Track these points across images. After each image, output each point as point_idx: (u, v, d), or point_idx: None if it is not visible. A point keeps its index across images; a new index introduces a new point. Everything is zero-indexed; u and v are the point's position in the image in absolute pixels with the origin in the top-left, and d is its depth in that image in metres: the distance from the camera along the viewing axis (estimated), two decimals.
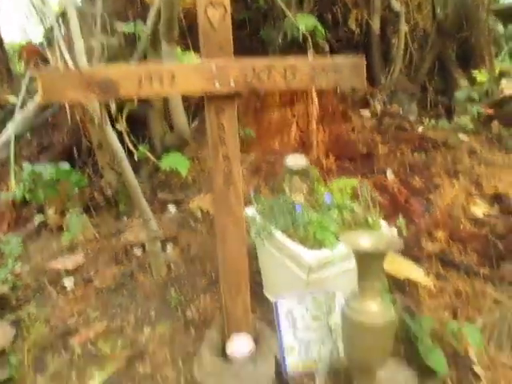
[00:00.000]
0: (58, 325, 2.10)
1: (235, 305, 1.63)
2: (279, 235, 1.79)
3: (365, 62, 1.56)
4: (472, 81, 4.84)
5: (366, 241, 1.39)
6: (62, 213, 3.29)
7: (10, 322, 2.21)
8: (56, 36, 2.23)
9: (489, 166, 3.48)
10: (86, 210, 3.27)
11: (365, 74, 1.57)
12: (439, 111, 4.85)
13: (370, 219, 1.80)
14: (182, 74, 1.38)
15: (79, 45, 2.10)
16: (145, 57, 3.10)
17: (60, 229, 3.19)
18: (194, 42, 3.33)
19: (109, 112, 2.07)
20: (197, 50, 3.20)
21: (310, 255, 1.66)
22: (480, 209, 2.77)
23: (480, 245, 2.44)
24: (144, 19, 3.09)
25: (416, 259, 2.29)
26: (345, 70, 1.53)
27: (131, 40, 2.97)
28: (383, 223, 1.86)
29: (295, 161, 1.93)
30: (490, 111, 4.23)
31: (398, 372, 1.60)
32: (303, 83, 1.50)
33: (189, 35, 3.16)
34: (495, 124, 4.16)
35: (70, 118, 3.30)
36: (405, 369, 1.63)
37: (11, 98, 5.38)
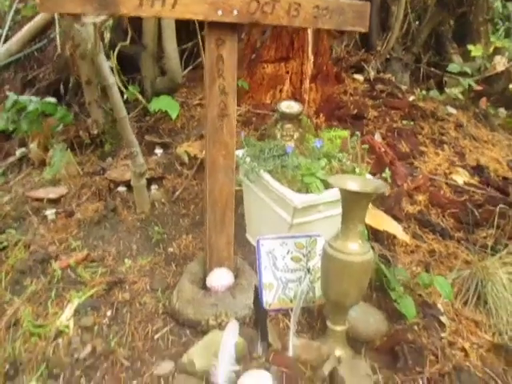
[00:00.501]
0: (38, 251, 2.10)
1: (219, 237, 1.66)
2: (267, 177, 1.81)
3: (369, 7, 1.56)
4: (466, 57, 4.86)
5: (354, 184, 1.43)
6: (46, 148, 3.24)
7: None
8: None
9: (473, 140, 3.55)
10: (70, 147, 3.21)
11: (368, 18, 1.56)
12: (431, 84, 4.87)
13: (357, 170, 1.83)
14: None
15: None
16: None
17: (42, 164, 3.15)
18: None
19: None
20: None
21: (296, 197, 1.68)
22: (461, 177, 2.84)
23: (458, 211, 2.52)
24: None
25: (395, 218, 2.35)
26: (349, 13, 1.52)
27: None
28: (369, 176, 1.90)
29: (289, 105, 1.93)
30: (480, 87, 4.27)
31: (369, 314, 1.67)
32: (306, 22, 1.49)
33: None
34: (483, 101, 4.21)
35: (59, 50, 3.22)
36: (376, 312, 1.70)
37: None
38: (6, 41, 4.22)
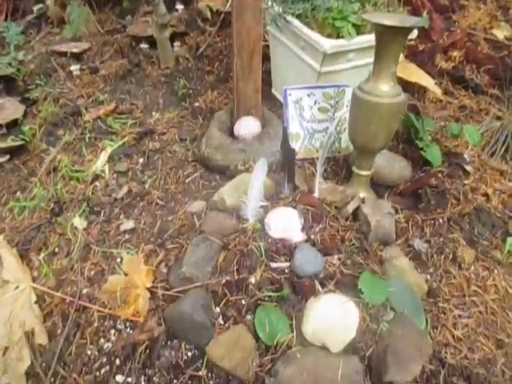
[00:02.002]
0: (67, 104, 2.14)
1: (246, 84, 1.64)
2: (296, 22, 1.72)
3: None
4: None
5: (389, 20, 1.34)
6: (63, 4, 3.10)
7: (19, 100, 2.24)
8: None
9: None
10: (88, 4, 3.07)
11: None
12: None
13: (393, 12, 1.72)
14: None
15: None
16: None
17: (61, 22, 3.05)
18: None
19: None
20: None
21: (326, 42, 1.61)
22: (502, 32, 2.65)
23: (494, 67, 2.39)
24: None
25: (428, 74, 2.26)
26: None
27: None
28: None
29: None
30: None
31: (394, 161, 1.69)
32: None
33: None
34: None
35: None
36: (402, 159, 1.72)
37: None
38: None
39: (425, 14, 1.88)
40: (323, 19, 1.65)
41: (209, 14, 2.65)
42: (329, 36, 1.66)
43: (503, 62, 2.41)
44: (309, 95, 1.75)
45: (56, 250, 1.50)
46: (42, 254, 1.48)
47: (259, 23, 1.53)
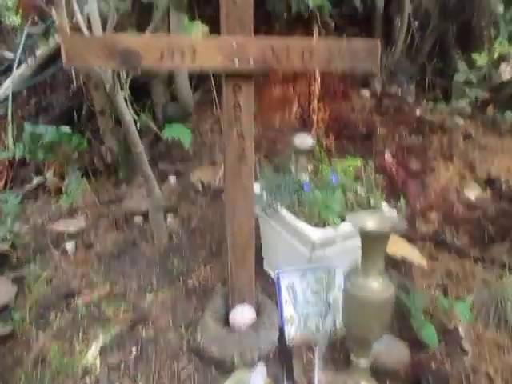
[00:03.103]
0: (60, 285, 2.15)
1: (240, 276, 1.70)
2: (285, 212, 1.85)
3: (379, 46, 1.59)
4: (470, 64, 4.87)
5: (371, 222, 1.45)
6: (61, 176, 3.30)
7: (12, 279, 2.25)
8: None
9: (483, 150, 3.56)
10: (85, 174, 3.28)
11: (379, 59, 1.60)
12: (437, 93, 4.89)
13: (372, 200, 1.86)
14: (203, 49, 1.39)
15: (93, 7, 2.06)
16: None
17: (59, 191, 3.21)
18: (201, 11, 3.30)
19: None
20: (203, 18, 3.14)
21: (314, 232, 1.72)
22: (473, 192, 2.86)
23: (472, 227, 2.54)
24: None
25: (410, 240, 2.38)
26: (360, 54, 1.56)
27: (140, 7, 2.91)
28: (384, 204, 1.93)
29: (303, 140, 1.96)
30: (487, 95, 4.29)
31: (392, 345, 1.69)
32: (319, 65, 1.53)
33: (195, 6, 3.12)
34: (490, 108, 4.22)
35: (74, 79, 3.28)
36: (398, 342, 1.72)
37: (7, 54, 5.27)
38: (18, 65, 4.28)
39: (401, 199, 2.03)
40: (309, 211, 1.77)
41: (200, 187, 2.83)
42: (316, 225, 1.77)
43: (479, 222, 2.57)
44: (300, 278, 1.81)
45: None
46: None
47: (251, 222, 1.64)
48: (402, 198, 2.03)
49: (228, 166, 1.57)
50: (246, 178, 1.59)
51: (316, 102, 3.40)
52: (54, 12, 2.60)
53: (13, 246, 2.50)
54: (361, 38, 1.58)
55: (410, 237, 2.40)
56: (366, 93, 4.03)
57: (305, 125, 3.51)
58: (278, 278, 1.79)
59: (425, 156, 3.26)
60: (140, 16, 2.85)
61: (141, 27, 2.81)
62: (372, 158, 3.15)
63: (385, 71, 4.56)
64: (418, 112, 3.91)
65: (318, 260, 1.83)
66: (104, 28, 2.02)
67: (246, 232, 1.64)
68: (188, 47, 1.37)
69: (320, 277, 1.82)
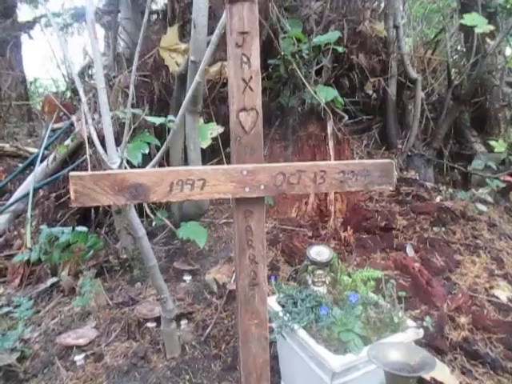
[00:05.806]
0: None
1: None
2: (302, 333, 1.73)
3: (394, 165, 1.55)
4: (488, 145, 4.85)
5: (396, 355, 1.34)
6: (76, 274, 3.26)
7: None
8: (83, 110, 2.27)
9: (509, 240, 3.43)
10: (100, 272, 3.24)
11: (394, 176, 1.56)
12: (455, 176, 4.84)
13: (395, 318, 1.74)
14: (212, 178, 1.37)
15: (107, 119, 2.11)
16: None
17: (72, 291, 3.16)
18: (216, 111, 3.40)
19: None
20: (218, 118, 3.23)
21: (334, 360, 1.59)
22: (504, 292, 2.69)
23: (506, 334, 2.35)
24: (168, 89, 3.16)
25: (439, 350, 2.21)
26: (374, 173, 1.52)
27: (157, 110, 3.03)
28: (410, 322, 1.80)
29: (319, 253, 1.89)
30: (509, 179, 4.20)
31: None
32: (332, 187, 1.49)
33: (211, 105, 3.22)
34: None
35: None
36: None
37: (30, 149, 5.50)
38: (42, 160, 4.43)
39: (427, 318, 1.90)
40: (328, 334, 1.66)
41: (215, 288, 2.74)
42: (336, 350, 1.65)
43: None
44: None
45: None
46: None
47: (265, 351, 1.53)
48: (427, 318, 1.89)
49: (240, 291, 1.49)
50: (259, 303, 1.50)
51: (333, 193, 3.37)
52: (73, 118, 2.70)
53: (22, 356, 2.42)
54: (374, 160, 1.55)
55: (439, 347, 2.23)
56: None
57: (321, 216, 3.45)
58: None
59: (448, 249, 3.13)
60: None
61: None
62: (392, 252, 3.07)
63: (401, 156, 4.57)
64: (438, 199, 3.84)
65: None
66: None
67: (259, 362, 1.52)
68: (197, 178, 1.36)
69: None
